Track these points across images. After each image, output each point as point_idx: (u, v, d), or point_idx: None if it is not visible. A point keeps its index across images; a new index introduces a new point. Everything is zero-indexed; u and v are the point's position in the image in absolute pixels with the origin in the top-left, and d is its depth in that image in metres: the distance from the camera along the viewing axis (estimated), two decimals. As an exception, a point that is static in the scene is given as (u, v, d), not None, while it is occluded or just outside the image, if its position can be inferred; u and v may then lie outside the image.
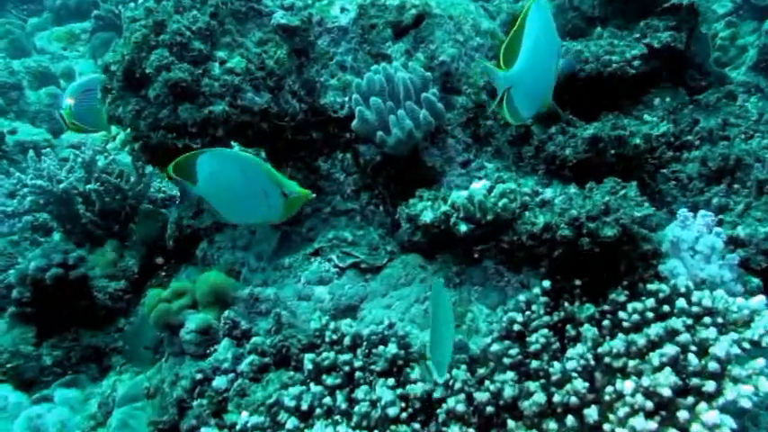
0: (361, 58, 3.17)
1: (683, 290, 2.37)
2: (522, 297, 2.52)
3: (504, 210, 2.53)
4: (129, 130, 3.05)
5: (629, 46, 3.44)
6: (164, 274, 3.49)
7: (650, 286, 2.42)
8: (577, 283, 2.51)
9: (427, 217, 2.60)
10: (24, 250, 3.85)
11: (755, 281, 2.63)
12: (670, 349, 2.15)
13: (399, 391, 2.40)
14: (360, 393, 2.42)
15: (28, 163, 3.71)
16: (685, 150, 3.17)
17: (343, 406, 2.42)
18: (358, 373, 2.48)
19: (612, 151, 2.91)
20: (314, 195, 2.51)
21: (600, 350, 2.29)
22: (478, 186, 2.62)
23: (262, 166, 2.47)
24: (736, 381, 2.08)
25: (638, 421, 2.06)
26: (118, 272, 3.53)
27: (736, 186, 2.99)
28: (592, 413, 2.14)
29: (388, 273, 2.88)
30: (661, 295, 2.38)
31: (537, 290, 2.51)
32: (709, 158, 3.06)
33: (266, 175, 2.45)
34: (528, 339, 2.40)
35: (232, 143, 3.02)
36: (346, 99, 3.08)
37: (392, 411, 2.34)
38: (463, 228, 2.56)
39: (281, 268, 2.99)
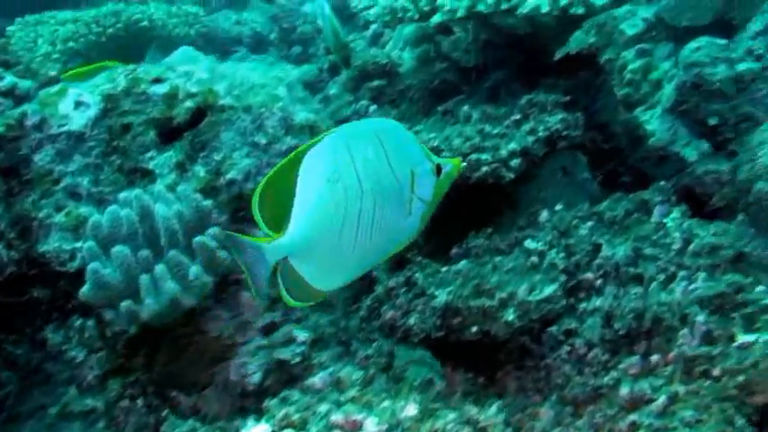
0: (108, 179, 2.12)
1: None
2: None
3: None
4: None
5: (506, 135, 2.47)
6: None
7: None
8: None
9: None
10: None
11: None
12: None
13: None
14: None
15: None
16: (583, 295, 2.23)
17: None
18: None
19: (474, 329, 1.96)
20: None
21: None
22: None
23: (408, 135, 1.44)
24: None
25: None
26: None
27: (654, 359, 2.06)
28: None
29: None
30: None
31: None
32: (616, 314, 2.13)
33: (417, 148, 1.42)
34: None
35: None
36: (81, 244, 2.05)
37: None
38: None
39: None
